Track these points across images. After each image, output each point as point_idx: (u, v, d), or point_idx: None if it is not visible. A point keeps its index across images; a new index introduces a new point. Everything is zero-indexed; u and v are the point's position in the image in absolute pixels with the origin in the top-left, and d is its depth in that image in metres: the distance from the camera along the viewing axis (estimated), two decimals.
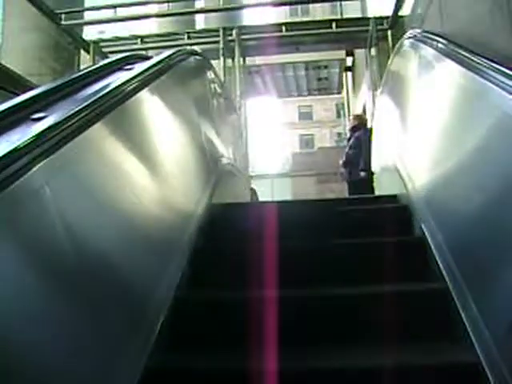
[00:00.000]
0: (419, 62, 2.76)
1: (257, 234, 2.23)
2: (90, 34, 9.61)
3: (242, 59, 8.40)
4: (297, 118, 32.62)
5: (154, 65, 2.23)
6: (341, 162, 7.00)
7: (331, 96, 20.52)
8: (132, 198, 1.68)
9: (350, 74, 13.81)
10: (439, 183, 2.22)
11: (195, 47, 8.66)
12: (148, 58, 2.63)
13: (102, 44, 8.74)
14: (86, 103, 1.47)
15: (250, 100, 17.41)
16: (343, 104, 17.37)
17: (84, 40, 8.57)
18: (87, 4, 9.44)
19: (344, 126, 22.44)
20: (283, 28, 8.28)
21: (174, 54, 2.64)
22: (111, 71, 2.07)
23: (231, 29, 8.28)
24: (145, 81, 2.00)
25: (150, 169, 1.95)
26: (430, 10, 4.80)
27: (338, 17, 11.16)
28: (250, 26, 9.05)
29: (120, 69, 2.15)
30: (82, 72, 1.91)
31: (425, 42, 2.59)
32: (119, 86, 1.77)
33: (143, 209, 1.78)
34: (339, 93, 17.13)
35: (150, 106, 2.11)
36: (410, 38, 3.12)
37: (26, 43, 8.15)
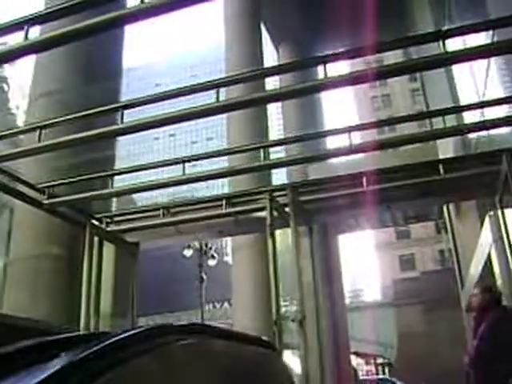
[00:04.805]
0: None
1: None
2: None
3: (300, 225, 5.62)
4: (394, 238, 29.98)
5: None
6: (466, 359, 5.21)
7: None
8: None
9: None
10: None
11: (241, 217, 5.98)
12: (81, 339, 1.40)
13: (107, 220, 6.36)
14: None
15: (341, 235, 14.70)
16: (444, 223, 14.42)
17: (90, 215, 6.35)
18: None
19: (446, 242, 19.25)
20: (364, 180, 5.48)
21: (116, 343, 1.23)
22: None
23: (281, 189, 5.68)
24: None
25: None
26: None
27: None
28: (311, 182, 6.45)
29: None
30: None
31: None
32: None
33: None
34: (440, 218, 14.41)
35: None
36: None
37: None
